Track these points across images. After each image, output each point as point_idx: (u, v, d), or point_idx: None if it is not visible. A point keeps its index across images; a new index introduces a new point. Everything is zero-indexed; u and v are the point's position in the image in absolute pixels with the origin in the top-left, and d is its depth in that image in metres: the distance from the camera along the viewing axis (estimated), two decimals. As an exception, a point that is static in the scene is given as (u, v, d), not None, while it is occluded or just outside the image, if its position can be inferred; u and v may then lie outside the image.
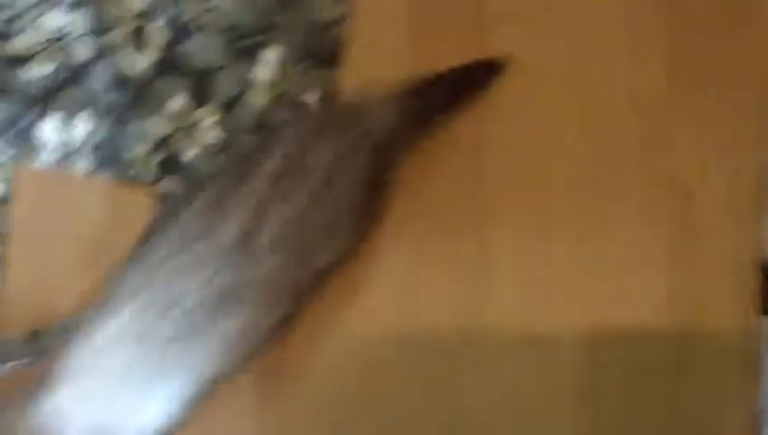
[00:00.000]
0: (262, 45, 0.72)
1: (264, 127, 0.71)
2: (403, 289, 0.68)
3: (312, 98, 0.71)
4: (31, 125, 0.70)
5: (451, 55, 0.71)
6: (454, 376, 0.67)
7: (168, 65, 0.71)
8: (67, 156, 0.70)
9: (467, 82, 0.71)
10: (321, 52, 0.73)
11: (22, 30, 0.72)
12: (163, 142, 0.70)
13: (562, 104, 0.71)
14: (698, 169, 0.69)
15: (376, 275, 0.68)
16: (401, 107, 0.67)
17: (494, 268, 0.68)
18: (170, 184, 0.70)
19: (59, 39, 0.72)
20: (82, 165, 0.70)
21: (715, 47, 0.71)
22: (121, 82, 0.71)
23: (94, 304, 0.61)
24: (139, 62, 0.71)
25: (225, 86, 0.71)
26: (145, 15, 0.72)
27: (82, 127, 0.70)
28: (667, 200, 0.69)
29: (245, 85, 0.71)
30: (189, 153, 0.70)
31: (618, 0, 0.72)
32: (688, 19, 0.72)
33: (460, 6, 0.73)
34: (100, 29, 0.72)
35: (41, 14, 0.72)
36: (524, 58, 0.71)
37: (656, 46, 0.72)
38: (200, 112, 0.71)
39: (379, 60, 0.73)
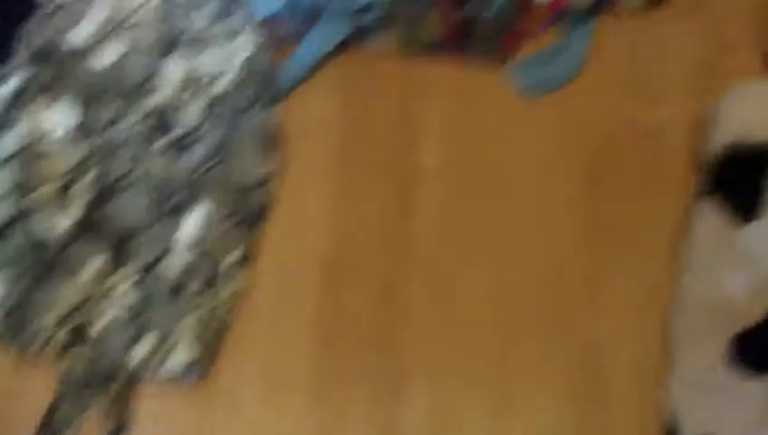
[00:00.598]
0: (188, 204, 0.71)
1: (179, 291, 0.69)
2: None
3: (233, 258, 0.70)
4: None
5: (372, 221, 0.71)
6: None
7: (89, 226, 0.69)
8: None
9: None
10: (247, 210, 0.72)
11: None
12: (74, 310, 0.67)
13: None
14: (609, 335, 0.68)
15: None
16: None
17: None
18: (78, 356, 0.67)
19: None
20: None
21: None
22: (40, 244, 0.68)
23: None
24: (61, 223, 0.69)
25: (146, 248, 0.69)
26: (72, 173, 0.71)
27: (-8, 293, 0.67)
28: (578, 372, 0.67)
29: (168, 246, 0.70)
30: (99, 323, 0.67)
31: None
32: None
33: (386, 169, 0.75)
34: (25, 187, 0.70)
35: (-35, 171, 0.71)
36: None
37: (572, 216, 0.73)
38: (116, 276, 0.69)
39: (302, 222, 0.73)
